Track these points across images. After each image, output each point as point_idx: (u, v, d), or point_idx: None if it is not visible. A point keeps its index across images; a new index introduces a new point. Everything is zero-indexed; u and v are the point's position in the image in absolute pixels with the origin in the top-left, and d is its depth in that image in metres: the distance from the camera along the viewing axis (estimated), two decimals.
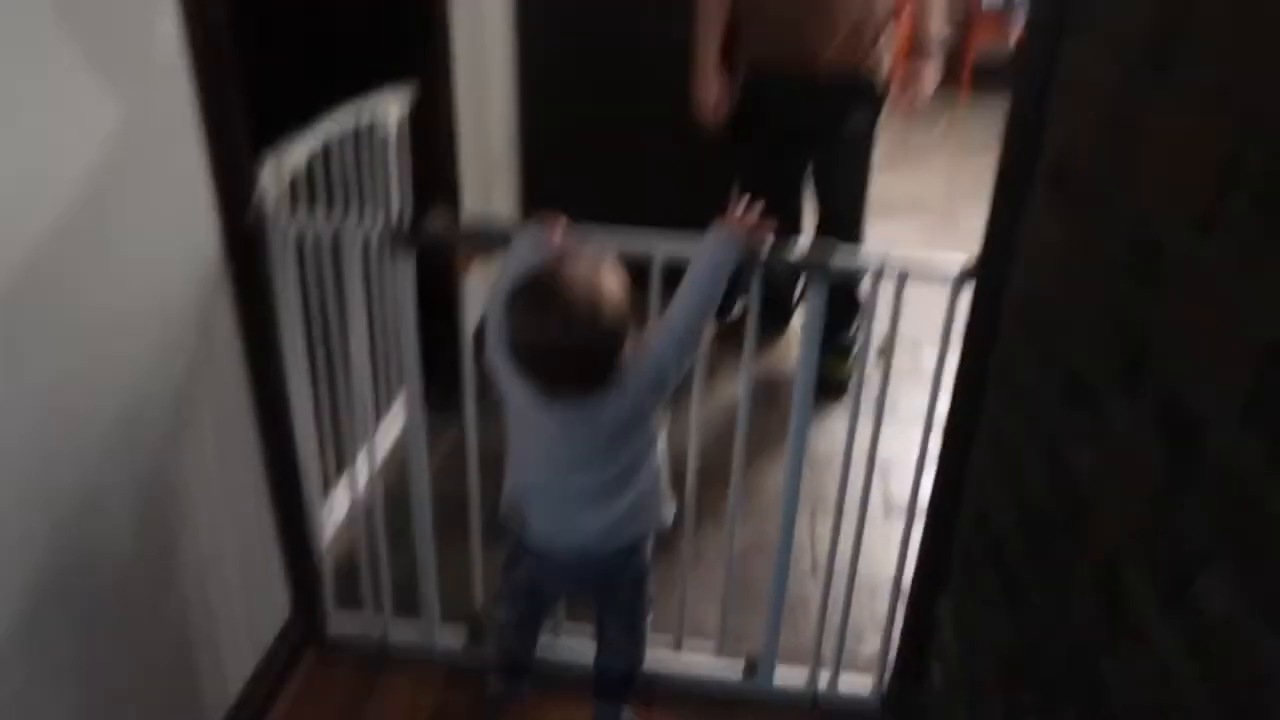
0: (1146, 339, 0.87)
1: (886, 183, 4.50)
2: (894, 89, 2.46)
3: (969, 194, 4.46)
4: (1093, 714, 0.92)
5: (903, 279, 1.38)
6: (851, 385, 1.62)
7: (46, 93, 1.02)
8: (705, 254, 1.30)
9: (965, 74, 6.11)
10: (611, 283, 1.20)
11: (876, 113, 2.52)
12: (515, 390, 1.28)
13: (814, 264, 1.34)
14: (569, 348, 1.17)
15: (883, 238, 3.83)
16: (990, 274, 1.30)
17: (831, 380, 2.53)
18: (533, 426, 1.31)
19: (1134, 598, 0.86)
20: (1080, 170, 1.06)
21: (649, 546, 1.47)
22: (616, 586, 1.48)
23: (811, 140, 2.59)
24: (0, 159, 0.96)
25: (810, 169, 2.67)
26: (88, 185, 1.10)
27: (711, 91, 2.49)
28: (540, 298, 1.18)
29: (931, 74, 2.43)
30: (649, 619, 1.55)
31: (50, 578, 1.09)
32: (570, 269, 1.19)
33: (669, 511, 1.43)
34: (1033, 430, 1.15)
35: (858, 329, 2.51)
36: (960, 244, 1.34)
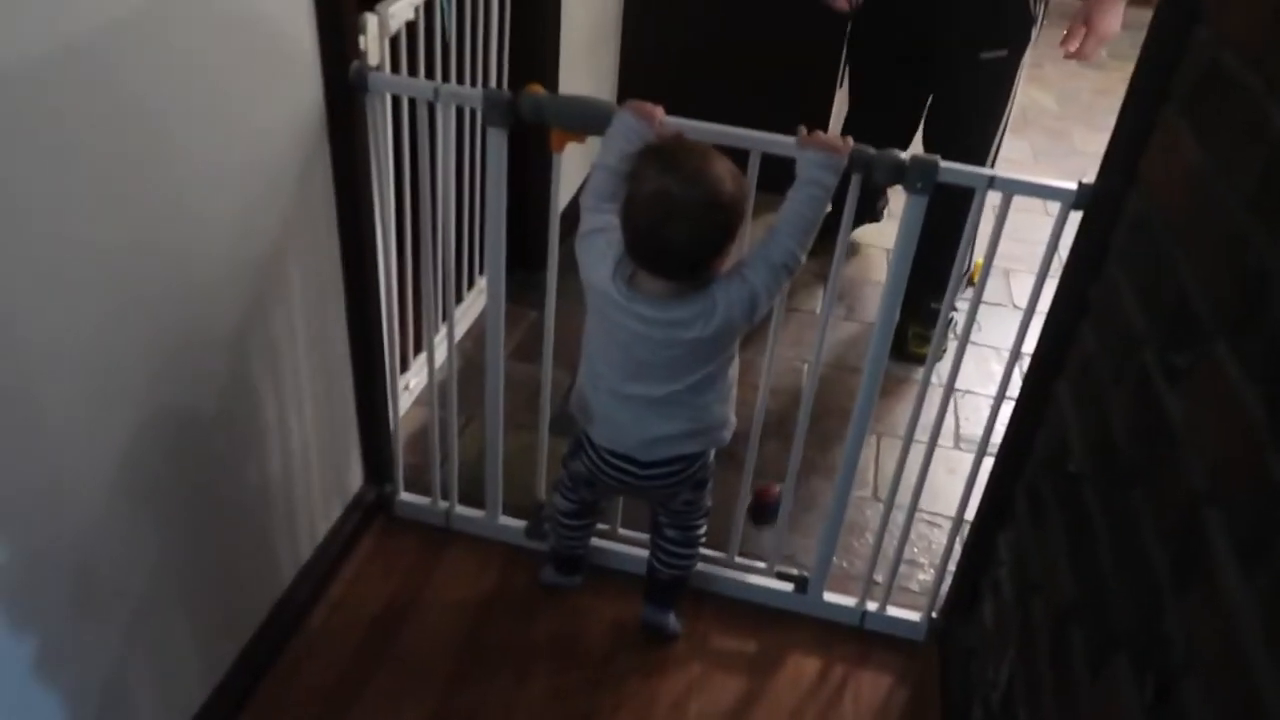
0: (1267, 277, 0.80)
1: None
2: (1069, 23, 2.04)
3: (1085, 114, 4.20)
4: (1148, 665, 0.88)
5: (1008, 198, 1.29)
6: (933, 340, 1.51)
7: None
8: (802, 182, 1.25)
9: None
10: (730, 167, 1.20)
11: (1023, 41, 2.06)
12: (602, 277, 1.26)
13: (919, 166, 1.26)
14: (687, 203, 1.15)
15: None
16: (1107, 198, 1.20)
17: (907, 350, 2.29)
18: (611, 322, 1.29)
19: (1213, 550, 0.81)
20: (1230, 85, 0.96)
21: (710, 458, 1.47)
22: (672, 493, 1.48)
23: (936, 64, 2.13)
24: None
25: (929, 104, 2.23)
26: (196, 34, 1.09)
27: None
28: (670, 154, 1.19)
29: (1117, 7, 1.98)
30: (703, 528, 1.55)
31: (148, 420, 1.13)
32: (692, 142, 1.21)
33: (729, 433, 1.41)
34: (1125, 368, 1.08)
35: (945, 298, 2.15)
36: (1071, 169, 1.25)
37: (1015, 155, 3.75)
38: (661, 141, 1.23)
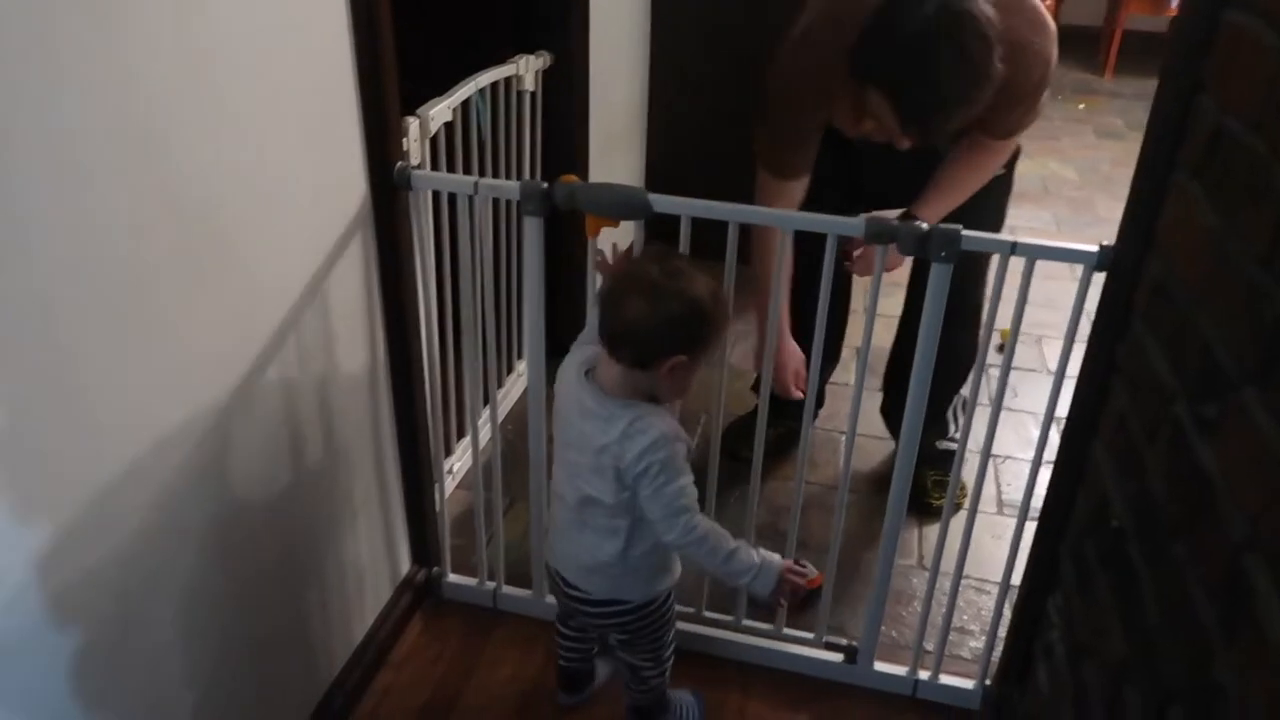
0: None
1: (1019, 167, 4.36)
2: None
3: (1106, 183, 4.26)
4: (1204, 718, 0.88)
5: (1031, 262, 1.33)
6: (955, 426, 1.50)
7: (231, 56, 1.10)
8: (743, 561, 1.29)
9: (1111, 49, 5.77)
10: (717, 289, 1.24)
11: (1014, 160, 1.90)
12: (569, 367, 1.34)
13: (942, 235, 1.31)
14: (657, 287, 1.19)
15: (1013, 222, 3.75)
16: (1127, 259, 1.24)
17: (927, 502, 2.09)
18: (562, 420, 1.33)
19: (1258, 598, 0.82)
20: (1235, 148, 1.00)
21: (645, 619, 1.40)
22: (600, 626, 1.48)
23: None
24: (195, 110, 1.04)
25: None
26: (251, 143, 1.18)
27: (794, 358, 1.87)
28: (667, 254, 1.25)
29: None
30: (649, 673, 1.49)
31: (203, 516, 1.18)
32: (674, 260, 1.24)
33: (661, 585, 1.39)
34: (1158, 423, 1.10)
35: (957, 432, 1.87)
36: (1095, 236, 1.29)
37: (1038, 225, 3.81)
38: (665, 246, 1.30)
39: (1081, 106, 5.37)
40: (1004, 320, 1.41)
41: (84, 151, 0.91)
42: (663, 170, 3.22)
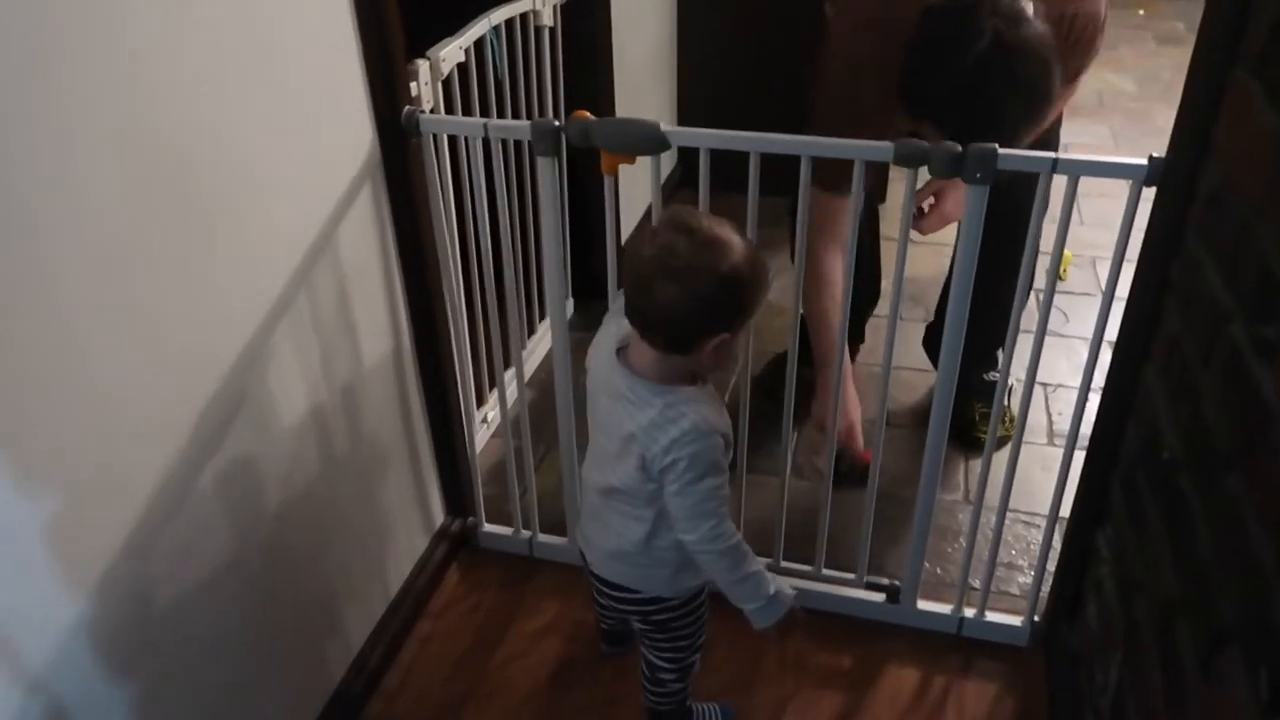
0: None
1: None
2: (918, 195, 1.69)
3: (1167, 91, 4.04)
4: (1261, 659, 0.83)
5: (1075, 179, 1.24)
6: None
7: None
8: (754, 586, 1.21)
9: None
10: (750, 250, 1.09)
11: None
12: (601, 345, 1.22)
13: (977, 155, 1.22)
14: (688, 264, 1.05)
15: (1067, 139, 3.57)
16: (1179, 172, 1.15)
17: (974, 435, 2.03)
18: (600, 409, 1.23)
19: None
20: None
21: (672, 608, 1.32)
22: (623, 614, 1.39)
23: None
24: (192, 67, 1.00)
25: None
26: (259, 87, 1.14)
27: (856, 411, 1.76)
28: (689, 215, 1.10)
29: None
30: (669, 674, 1.40)
31: (220, 479, 1.16)
32: (716, 218, 1.11)
33: (689, 584, 1.29)
34: (1213, 346, 1.02)
35: (1002, 364, 1.60)
36: (1154, 149, 1.19)
37: (1093, 140, 3.64)
38: (685, 207, 1.14)
39: (1141, 12, 5.09)
40: (1052, 244, 1.33)
41: (75, 105, 0.88)
42: (696, 106, 3.12)
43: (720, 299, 1.08)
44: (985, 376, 2.04)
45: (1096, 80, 4.21)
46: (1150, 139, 3.63)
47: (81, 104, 0.89)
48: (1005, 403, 2.01)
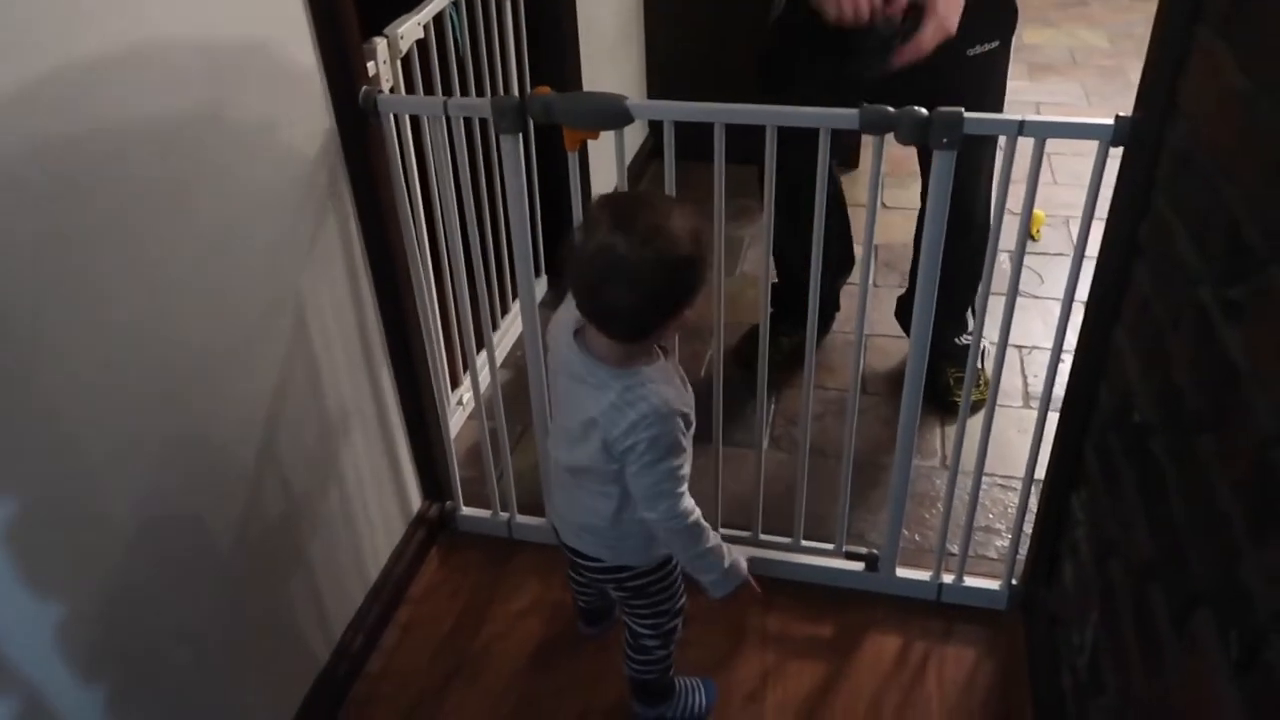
0: None
1: (1042, 37, 4.15)
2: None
3: (1140, 47, 3.99)
4: (1231, 621, 0.83)
5: (1042, 141, 1.23)
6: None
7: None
8: (712, 558, 1.24)
9: None
10: (691, 224, 1.06)
11: (1012, 26, 1.70)
12: (561, 324, 1.20)
13: (943, 119, 1.21)
14: (633, 263, 1.02)
15: (1038, 98, 3.58)
16: (1146, 133, 1.14)
17: (949, 400, 2.01)
18: (562, 388, 1.22)
19: None
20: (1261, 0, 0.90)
21: (653, 577, 1.32)
22: (601, 585, 1.40)
23: (913, 68, 1.51)
24: (145, 60, 0.97)
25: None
26: (210, 78, 1.11)
27: None
28: (625, 207, 1.07)
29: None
30: (652, 642, 1.39)
31: (199, 465, 1.15)
32: (655, 195, 1.10)
33: (660, 551, 1.30)
34: (1183, 308, 1.02)
35: (974, 326, 1.74)
36: (1128, 106, 1.18)
37: (1066, 99, 3.63)
38: (620, 192, 1.12)
39: None
40: (1021, 204, 1.32)
41: (21, 97, 0.85)
42: (666, 76, 3.09)
43: (672, 289, 1.07)
44: (957, 340, 2.04)
45: (1068, 37, 4.19)
46: (1123, 96, 3.61)
47: (19, 86, 0.86)
48: (980, 366, 2.01)
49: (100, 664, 1.03)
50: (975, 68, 1.68)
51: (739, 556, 1.28)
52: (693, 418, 1.18)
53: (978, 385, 1.89)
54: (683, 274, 1.06)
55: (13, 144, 0.86)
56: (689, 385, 1.22)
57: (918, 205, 1.94)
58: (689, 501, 1.19)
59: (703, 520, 1.21)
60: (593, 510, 1.24)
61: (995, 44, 1.70)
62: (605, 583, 1.36)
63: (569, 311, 1.18)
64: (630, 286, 1.04)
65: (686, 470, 1.18)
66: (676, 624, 1.40)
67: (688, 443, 1.17)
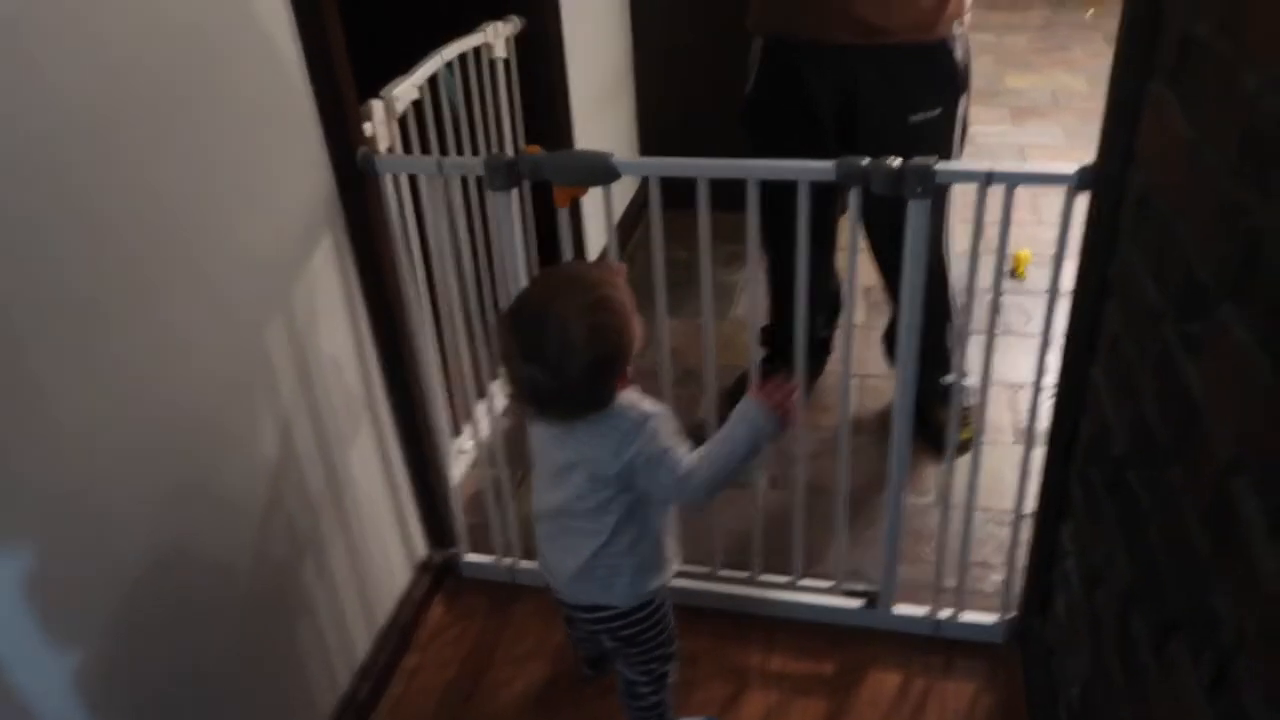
0: (1259, 239, 0.78)
1: (1025, 81, 4.25)
2: None
3: None
4: (1203, 647, 0.86)
5: (1010, 190, 1.28)
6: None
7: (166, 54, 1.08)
8: (736, 429, 1.22)
9: None
10: (600, 313, 1.12)
11: (956, 92, 1.80)
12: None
13: (916, 171, 1.27)
14: (556, 385, 1.12)
15: (1021, 140, 3.65)
16: (1107, 179, 1.19)
17: (937, 439, 1.84)
18: (536, 432, 1.29)
19: (1245, 524, 0.79)
20: (1204, 52, 0.95)
21: (644, 622, 1.34)
22: (594, 635, 1.41)
23: (857, 135, 1.82)
24: (140, 126, 1.03)
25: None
26: (211, 140, 1.17)
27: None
28: (513, 320, 1.15)
29: None
30: (646, 689, 1.42)
31: (207, 520, 1.19)
32: (557, 300, 1.12)
33: (651, 584, 1.30)
34: (1148, 343, 1.06)
35: (954, 358, 1.90)
36: None
37: (1046, 140, 3.71)
38: (518, 309, 1.17)
39: (1090, 13, 5.18)
40: (1015, 245, 1.37)
41: (30, 144, 0.90)
42: (657, 130, 3.17)
43: (603, 371, 1.13)
44: (942, 381, 2.08)
45: (1050, 81, 4.29)
46: None
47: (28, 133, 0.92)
48: (965, 405, 2.05)
49: (111, 707, 1.06)
50: (918, 133, 1.78)
51: (753, 405, 1.22)
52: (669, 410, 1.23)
53: (966, 424, 1.93)
54: (611, 353, 1.13)
55: (32, 199, 0.92)
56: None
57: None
58: (689, 461, 1.20)
59: (709, 453, 1.21)
60: (580, 551, 1.27)
61: (937, 111, 1.80)
62: (599, 632, 1.38)
63: None
64: (566, 400, 1.14)
65: (685, 448, 1.21)
66: (668, 669, 1.42)
67: (675, 425, 1.22)
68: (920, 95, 1.79)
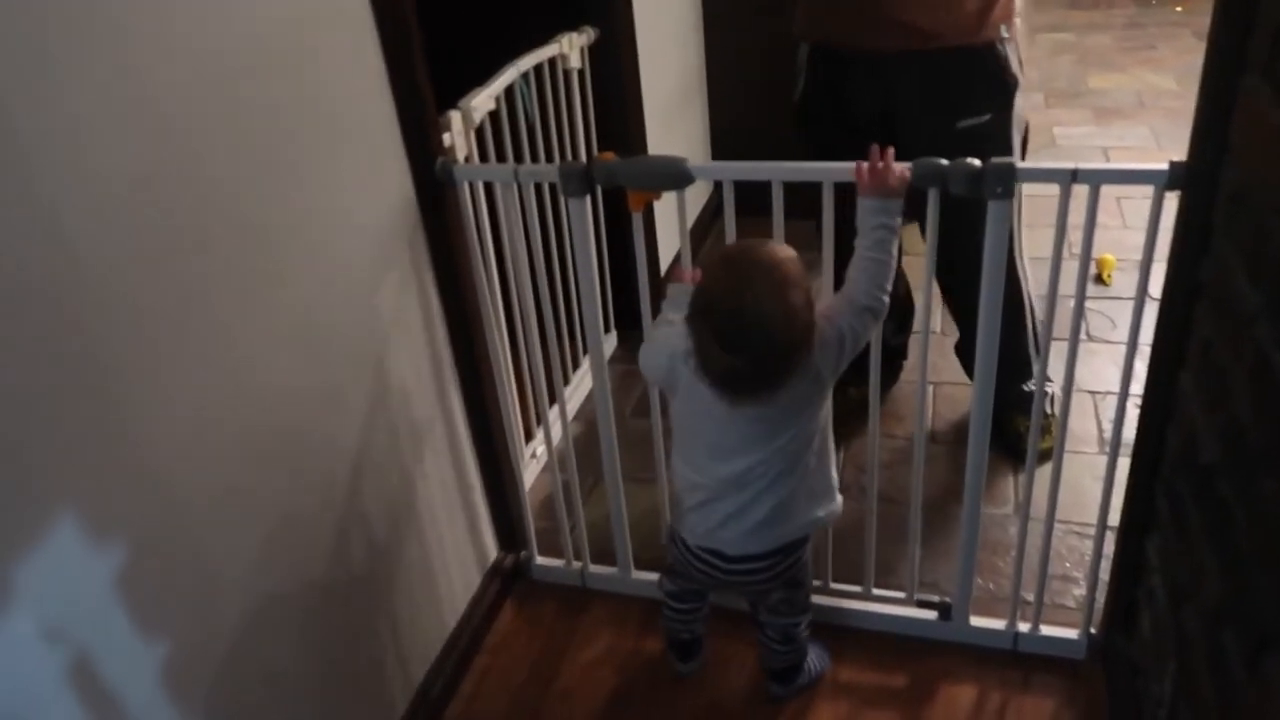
0: None
1: (1109, 81, 4.13)
2: None
3: None
4: None
5: (1097, 188, 1.25)
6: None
7: (249, 63, 1.12)
8: (864, 225, 1.26)
9: None
10: (787, 291, 1.16)
11: (1006, 100, 1.76)
12: (684, 385, 1.29)
13: (996, 171, 1.24)
14: (757, 373, 1.19)
15: (1105, 143, 3.55)
16: (1200, 175, 1.15)
17: (1016, 448, 1.95)
18: (701, 410, 1.29)
19: None
20: None
21: (806, 554, 1.44)
22: (764, 590, 1.47)
23: (906, 140, 1.53)
24: (233, 135, 1.07)
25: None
26: (301, 157, 1.21)
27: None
28: (725, 323, 1.17)
29: None
30: (802, 625, 1.52)
31: (275, 523, 1.22)
32: (748, 290, 1.16)
33: (827, 512, 1.39)
34: (1242, 346, 1.02)
35: (1035, 365, 1.87)
36: None
37: (1132, 141, 3.60)
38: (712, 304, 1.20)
39: (1179, 9, 5.02)
40: (1099, 249, 1.33)
41: (112, 163, 0.94)
42: (729, 136, 3.17)
43: (795, 341, 1.18)
44: (1023, 387, 2.02)
45: (1135, 81, 4.16)
46: None
47: (112, 154, 0.96)
48: (1048, 413, 1.99)
49: (193, 701, 1.10)
50: (967, 138, 1.70)
51: (860, 203, 1.27)
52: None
53: (1047, 433, 1.88)
54: (799, 343, 1.19)
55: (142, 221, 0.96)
56: None
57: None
58: (853, 289, 1.27)
59: (860, 266, 1.27)
60: (767, 499, 1.32)
61: (987, 117, 1.76)
62: (771, 582, 1.42)
63: (675, 343, 1.27)
64: (769, 380, 1.20)
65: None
66: (812, 601, 1.53)
67: None
68: (968, 100, 1.75)
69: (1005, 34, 1.73)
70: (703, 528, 1.38)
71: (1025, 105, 1.82)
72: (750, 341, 1.16)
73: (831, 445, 1.39)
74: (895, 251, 1.27)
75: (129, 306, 0.97)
